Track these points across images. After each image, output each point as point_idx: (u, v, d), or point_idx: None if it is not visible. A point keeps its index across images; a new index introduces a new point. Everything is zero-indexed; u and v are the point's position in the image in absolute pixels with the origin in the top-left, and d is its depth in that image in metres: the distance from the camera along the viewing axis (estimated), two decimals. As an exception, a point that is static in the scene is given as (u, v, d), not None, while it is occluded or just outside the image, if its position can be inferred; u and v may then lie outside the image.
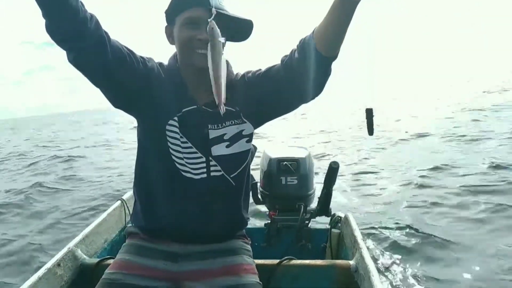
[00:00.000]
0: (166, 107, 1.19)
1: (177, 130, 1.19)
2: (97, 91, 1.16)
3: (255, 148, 1.72)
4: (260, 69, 1.26)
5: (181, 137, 1.19)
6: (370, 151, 6.67)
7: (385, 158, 6.08)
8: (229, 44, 1.25)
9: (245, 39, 1.27)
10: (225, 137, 1.22)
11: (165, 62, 1.28)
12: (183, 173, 1.20)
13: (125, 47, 1.12)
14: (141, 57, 1.19)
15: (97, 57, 1.03)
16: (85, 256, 1.55)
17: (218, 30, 1.02)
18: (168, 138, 1.19)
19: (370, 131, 1.32)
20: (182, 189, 1.20)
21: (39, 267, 1.39)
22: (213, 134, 1.21)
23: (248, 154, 1.28)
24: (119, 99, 1.18)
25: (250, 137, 1.26)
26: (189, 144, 1.20)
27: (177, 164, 1.20)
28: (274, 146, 2.06)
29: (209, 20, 1.04)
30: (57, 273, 1.41)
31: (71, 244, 1.54)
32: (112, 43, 1.07)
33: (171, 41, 1.23)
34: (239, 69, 1.32)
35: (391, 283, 2.62)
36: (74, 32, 0.97)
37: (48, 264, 1.39)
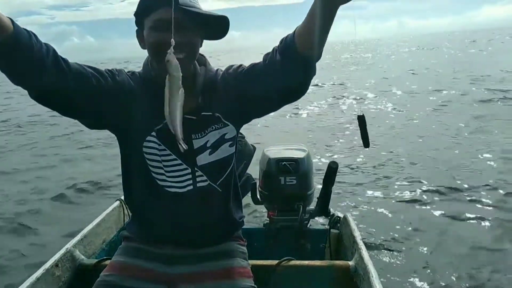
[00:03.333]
0: (142, 123, 1.14)
1: (156, 146, 1.14)
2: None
3: (254, 148, 1.72)
4: (241, 66, 1.20)
5: (161, 150, 1.14)
6: (369, 150, 6.66)
7: (384, 157, 6.08)
8: (206, 42, 1.20)
9: (222, 37, 1.21)
10: (208, 144, 1.17)
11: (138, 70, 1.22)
12: (167, 189, 1.17)
13: (88, 67, 1.07)
14: (109, 71, 1.13)
15: (60, 90, 0.99)
16: (83, 257, 1.55)
17: (177, 63, 0.95)
18: (145, 155, 1.15)
19: (366, 143, 1.23)
20: (169, 204, 1.18)
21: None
22: (196, 144, 1.16)
23: (232, 158, 1.24)
24: (92, 124, 1.15)
25: (233, 140, 1.22)
26: (173, 156, 1.16)
27: (158, 181, 1.17)
28: (273, 146, 2.05)
29: (168, 51, 0.95)
30: (55, 274, 1.40)
31: (69, 245, 1.54)
32: (72, 69, 1.01)
33: (143, 46, 1.15)
34: (216, 64, 1.26)
35: (390, 284, 2.61)
36: (32, 71, 0.92)
37: (46, 265, 1.39)
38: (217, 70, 1.24)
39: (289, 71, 1.05)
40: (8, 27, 0.85)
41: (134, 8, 1.15)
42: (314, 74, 1.08)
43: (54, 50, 0.97)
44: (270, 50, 1.11)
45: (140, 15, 1.12)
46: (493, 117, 7.59)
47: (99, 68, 1.12)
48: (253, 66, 1.16)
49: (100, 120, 1.14)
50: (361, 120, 1.23)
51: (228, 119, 1.19)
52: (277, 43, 1.09)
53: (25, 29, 0.91)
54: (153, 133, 1.14)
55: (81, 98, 1.04)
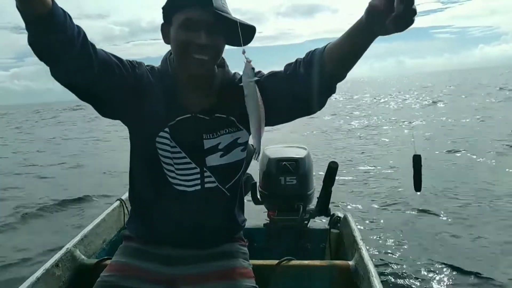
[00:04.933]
0: (156, 118, 1.14)
1: (168, 142, 1.14)
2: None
3: (255, 148, 1.72)
4: (260, 72, 1.20)
5: (172, 147, 1.14)
6: (370, 149, 6.66)
7: (385, 156, 6.08)
8: (227, 47, 1.19)
9: (246, 44, 1.17)
10: (220, 147, 1.17)
11: (157, 64, 1.21)
12: (175, 186, 1.16)
13: (113, 56, 1.07)
14: (130, 62, 1.13)
15: (84, 73, 0.99)
16: (83, 257, 1.55)
17: (252, 72, 0.98)
18: (158, 150, 1.14)
19: (418, 186, 1.19)
20: (175, 202, 1.18)
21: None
22: (208, 144, 1.16)
23: (242, 163, 1.24)
24: (107, 111, 1.13)
25: (245, 145, 1.22)
26: (183, 154, 1.16)
27: (168, 178, 1.16)
28: (273, 146, 2.05)
29: (244, 61, 0.97)
30: (56, 274, 1.40)
31: (69, 245, 1.54)
32: (99, 56, 1.01)
33: (167, 41, 1.15)
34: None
35: (390, 284, 2.61)
36: (61, 48, 0.92)
37: (47, 265, 1.38)
38: (235, 73, 1.24)
39: (310, 85, 1.04)
40: (48, 2, 0.85)
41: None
42: (334, 93, 1.09)
43: (84, 34, 0.97)
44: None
45: (169, 10, 1.11)
46: None
47: (123, 59, 1.11)
48: (274, 74, 1.16)
49: (116, 109, 1.13)
50: (417, 161, 1.20)
51: (242, 124, 1.18)
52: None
53: (62, 9, 0.91)
54: (166, 129, 1.14)
55: (101, 85, 1.03)
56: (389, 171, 5.40)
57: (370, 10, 0.87)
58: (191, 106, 1.16)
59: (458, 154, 6.12)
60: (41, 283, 1.31)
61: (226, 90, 1.19)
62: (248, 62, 1.00)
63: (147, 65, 1.20)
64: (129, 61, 1.14)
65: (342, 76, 1.05)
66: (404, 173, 5.12)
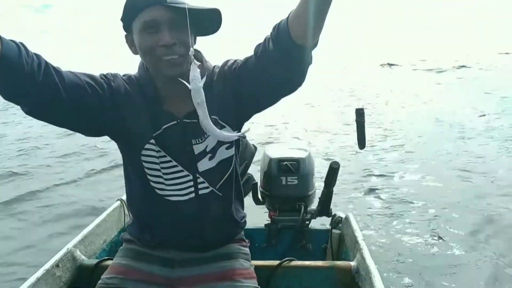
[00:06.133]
0: (140, 130, 1.10)
1: (154, 154, 1.11)
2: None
3: (255, 148, 1.71)
4: (236, 61, 1.12)
5: (160, 157, 1.11)
6: (371, 148, 6.65)
7: (387, 156, 6.06)
8: (200, 38, 1.14)
9: (215, 31, 1.13)
10: (207, 149, 1.14)
11: (133, 72, 1.17)
12: (166, 198, 1.14)
13: (83, 75, 1.03)
14: (104, 77, 1.09)
15: (54, 104, 0.94)
16: (84, 257, 1.54)
17: (198, 76, 0.91)
18: (144, 163, 1.12)
19: (361, 143, 1.07)
20: (170, 213, 1.17)
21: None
22: (197, 149, 1.13)
23: (232, 161, 1.20)
24: (88, 132, 1.10)
25: (230, 142, 1.17)
26: (174, 163, 1.13)
27: (157, 190, 1.14)
28: (274, 146, 2.04)
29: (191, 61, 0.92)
30: (56, 274, 1.40)
31: (70, 245, 1.53)
32: (66, 81, 0.96)
33: (134, 51, 1.09)
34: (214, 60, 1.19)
35: (392, 285, 2.60)
36: (23, 87, 0.88)
37: (47, 265, 1.38)
38: (214, 67, 1.18)
39: (283, 61, 0.96)
40: None
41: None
42: (311, 63, 1.00)
43: (46, 62, 0.92)
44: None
45: (127, 19, 1.06)
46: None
47: (94, 75, 1.07)
48: (246, 60, 1.09)
49: (97, 129, 1.10)
50: (360, 115, 1.09)
51: (225, 121, 1.13)
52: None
53: (14, 42, 0.85)
54: (152, 140, 1.10)
55: (76, 109, 1.00)
56: (391, 170, 5.39)
57: None
58: (176, 111, 1.12)
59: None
60: (41, 283, 1.31)
61: (206, 87, 1.12)
62: (194, 64, 0.93)
63: (124, 75, 1.16)
64: (103, 75, 1.10)
65: (314, 42, 0.95)
66: (405, 172, 5.11)
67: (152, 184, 1.15)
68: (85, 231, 1.69)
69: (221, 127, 1.12)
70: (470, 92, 12.17)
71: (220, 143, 1.15)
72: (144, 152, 1.11)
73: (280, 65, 0.98)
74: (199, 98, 0.91)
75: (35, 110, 0.95)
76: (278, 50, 0.96)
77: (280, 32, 0.94)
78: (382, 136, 7.02)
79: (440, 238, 3.27)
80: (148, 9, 1.00)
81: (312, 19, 0.87)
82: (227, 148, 1.17)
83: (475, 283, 2.58)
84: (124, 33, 1.10)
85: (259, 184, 1.90)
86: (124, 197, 2.08)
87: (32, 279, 1.29)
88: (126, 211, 2.01)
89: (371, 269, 1.31)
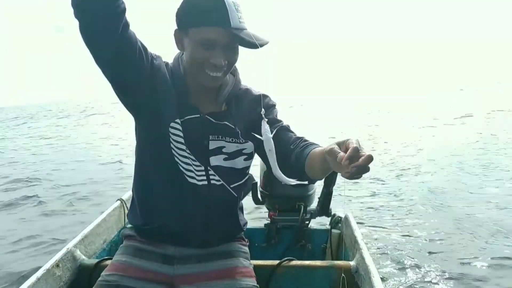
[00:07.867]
0: (170, 107, 1.15)
1: (180, 133, 1.15)
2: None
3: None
4: (275, 107, 1.26)
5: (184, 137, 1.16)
6: (371, 148, 6.63)
7: (386, 156, 6.08)
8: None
9: (258, 47, 1.13)
10: (224, 150, 1.19)
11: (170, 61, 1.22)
12: (187, 178, 1.17)
13: (140, 41, 1.07)
14: (151, 54, 1.15)
15: (111, 30, 0.97)
16: (84, 257, 1.55)
17: (268, 129, 1.05)
18: (171, 139, 1.15)
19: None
20: (184, 192, 1.18)
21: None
22: (212, 145, 1.18)
23: (247, 170, 1.27)
24: (123, 90, 1.12)
25: (250, 155, 1.24)
26: (188, 152, 1.17)
27: (181, 168, 1.16)
28: None
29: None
30: (56, 274, 1.40)
31: (70, 245, 1.53)
32: (133, 36, 1.03)
33: (180, 48, 1.16)
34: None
35: (391, 284, 2.61)
36: (112, 11, 0.94)
37: (47, 265, 1.38)
38: (247, 88, 1.27)
39: (297, 174, 1.11)
40: None
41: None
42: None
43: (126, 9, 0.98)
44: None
45: (185, 21, 1.08)
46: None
47: (147, 47, 1.12)
48: (286, 133, 1.20)
49: (132, 85, 1.10)
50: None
51: (246, 138, 1.21)
52: None
53: None
54: (178, 120, 1.15)
55: (126, 51, 1.03)
56: (391, 170, 5.40)
57: (327, 158, 0.92)
58: (201, 107, 1.18)
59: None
60: (42, 283, 1.31)
61: (236, 101, 1.22)
62: (264, 121, 1.05)
63: (164, 61, 1.21)
64: (151, 52, 1.15)
65: (316, 180, 1.18)
66: (406, 172, 5.12)
67: (177, 160, 1.16)
68: (85, 231, 1.69)
69: (243, 142, 1.21)
70: None
71: (240, 153, 1.21)
72: (171, 130, 1.15)
73: (290, 169, 1.12)
74: (270, 147, 1.05)
75: (93, 26, 0.96)
76: (295, 167, 1.12)
77: (300, 163, 1.10)
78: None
79: (440, 238, 3.27)
80: (211, 27, 1.05)
81: (320, 174, 1.10)
82: (245, 159, 1.24)
83: (475, 283, 2.59)
84: (175, 27, 1.13)
85: (259, 184, 1.90)
86: (124, 197, 2.08)
87: (32, 279, 1.29)
88: (127, 211, 2.02)
89: (370, 268, 1.32)
